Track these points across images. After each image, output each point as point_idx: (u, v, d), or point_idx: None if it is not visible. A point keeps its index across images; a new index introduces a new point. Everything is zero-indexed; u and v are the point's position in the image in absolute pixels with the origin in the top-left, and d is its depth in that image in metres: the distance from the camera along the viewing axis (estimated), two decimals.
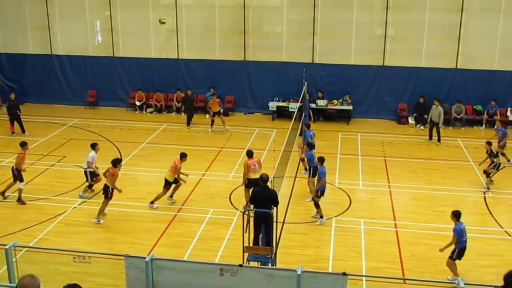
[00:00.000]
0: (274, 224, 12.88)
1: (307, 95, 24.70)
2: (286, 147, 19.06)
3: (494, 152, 19.73)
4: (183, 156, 18.08)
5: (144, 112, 29.22)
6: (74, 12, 29.74)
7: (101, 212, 17.01)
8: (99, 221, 16.90)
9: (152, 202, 17.84)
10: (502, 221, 17.32)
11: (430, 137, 25.04)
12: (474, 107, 27.68)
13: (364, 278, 13.84)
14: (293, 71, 27.79)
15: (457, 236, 13.74)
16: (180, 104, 28.49)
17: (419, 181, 20.52)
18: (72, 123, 27.07)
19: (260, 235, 13.33)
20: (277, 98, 28.54)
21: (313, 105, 26.99)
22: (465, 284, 9.41)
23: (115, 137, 24.73)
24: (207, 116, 28.40)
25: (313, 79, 27.49)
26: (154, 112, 29.09)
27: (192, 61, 29.19)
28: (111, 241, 15.86)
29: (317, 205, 16.97)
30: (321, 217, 16.97)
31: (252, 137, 25.24)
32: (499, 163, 19.62)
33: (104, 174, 17.24)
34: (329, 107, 27.93)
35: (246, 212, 13.03)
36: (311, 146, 19.07)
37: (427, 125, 25.94)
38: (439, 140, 24.73)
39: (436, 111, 24.57)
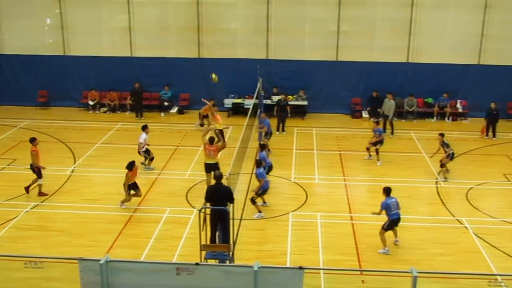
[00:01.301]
0: (231, 221, 12.89)
1: (262, 91, 24.76)
2: (242, 143, 19.08)
3: (447, 142, 20.16)
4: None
5: (97, 111, 28.80)
6: (22, 10, 28.98)
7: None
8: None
9: None
10: (454, 210, 17.74)
11: (384, 130, 25.39)
12: (426, 100, 28.26)
13: (321, 271, 13.97)
14: (248, 67, 27.77)
15: (382, 209, 15.20)
16: (131, 99, 28.25)
17: (373, 174, 20.83)
18: (23, 124, 26.46)
19: (218, 233, 13.33)
20: (233, 95, 28.52)
21: (268, 101, 27.06)
22: (418, 272, 9.56)
23: (68, 138, 24.32)
24: (162, 114, 28.24)
25: (268, 75, 27.50)
26: (108, 112, 28.72)
27: (146, 59, 28.86)
28: (66, 245, 15.57)
29: (253, 202, 17.21)
30: (259, 212, 17.14)
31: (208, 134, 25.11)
32: (453, 153, 20.08)
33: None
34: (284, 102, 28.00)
35: (203, 210, 12.99)
36: (262, 147, 19.20)
37: (380, 119, 26.30)
38: (392, 133, 25.16)
39: (389, 105, 25.00)
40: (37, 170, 18.33)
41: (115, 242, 15.68)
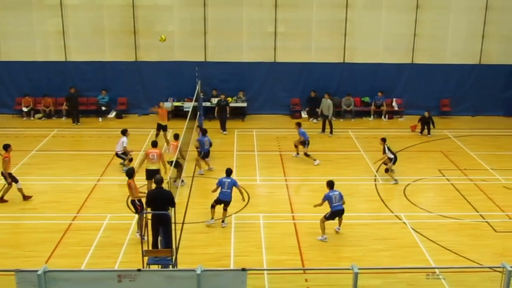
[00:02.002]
0: (173, 225, 12.79)
1: (202, 94, 24.69)
2: (182, 146, 18.98)
3: (387, 148, 20.42)
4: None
5: (32, 118, 28.02)
6: None
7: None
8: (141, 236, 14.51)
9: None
10: (392, 207, 18.17)
11: (323, 130, 25.83)
12: (362, 99, 28.86)
13: (265, 272, 14.03)
14: (187, 70, 27.62)
15: (324, 201, 16.04)
16: (67, 105, 27.64)
17: (313, 173, 21.09)
18: None
19: (160, 238, 13.20)
20: (172, 98, 28.32)
21: (207, 104, 26.99)
22: (359, 269, 9.73)
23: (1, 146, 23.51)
24: (100, 119, 27.76)
25: (207, 78, 27.52)
26: (43, 118, 27.99)
27: (81, 63, 28.30)
28: (3, 257, 15.03)
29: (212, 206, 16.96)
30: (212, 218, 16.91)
31: (147, 138, 24.87)
32: (396, 157, 20.42)
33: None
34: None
35: (144, 215, 12.85)
36: (204, 131, 19.49)
37: (319, 118, 26.75)
38: (331, 132, 25.56)
39: (327, 104, 25.40)
40: (8, 176, 18.06)
41: (54, 251, 15.27)
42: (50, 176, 20.12)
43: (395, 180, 20.22)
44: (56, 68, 28.30)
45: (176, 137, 19.66)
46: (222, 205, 16.66)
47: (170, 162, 18.15)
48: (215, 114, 26.51)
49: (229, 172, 16.92)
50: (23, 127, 26.61)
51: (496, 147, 24.34)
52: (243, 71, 28.54)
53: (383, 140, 20.63)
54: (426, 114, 25.65)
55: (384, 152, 20.39)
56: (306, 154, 22.01)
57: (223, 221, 16.74)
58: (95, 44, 28.28)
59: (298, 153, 22.60)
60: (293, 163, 22.13)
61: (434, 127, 25.75)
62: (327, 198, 16.00)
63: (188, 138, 22.44)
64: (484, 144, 24.68)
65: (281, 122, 27.71)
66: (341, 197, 16.05)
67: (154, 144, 18.69)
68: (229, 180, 16.67)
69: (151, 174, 17.61)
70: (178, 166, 18.94)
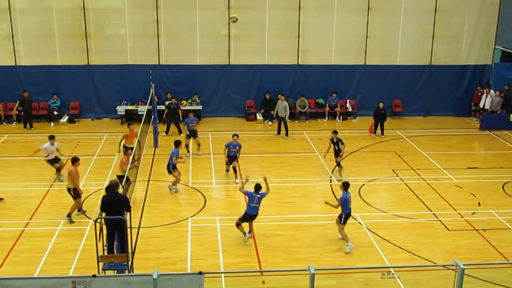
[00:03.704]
0: (128, 229, 12.64)
1: (155, 97, 24.50)
2: (137, 150, 18.78)
3: (341, 140, 20.76)
4: (74, 160, 17.31)
5: None
6: None
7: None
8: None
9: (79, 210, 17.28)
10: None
11: (279, 132, 25.93)
12: (317, 100, 29.11)
13: (222, 275, 14.00)
14: (140, 73, 27.38)
15: (341, 203, 15.55)
16: (18, 110, 27.01)
17: (269, 175, 20.94)
18: None
19: (115, 243, 13.03)
20: (125, 102, 27.99)
21: (162, 107, 26.78)
22: (315, 270, 9.80)
23: None
24: (52, 124, 27.23)
25: (161, 81, 27.36)
26: None
27: (31, 68, 27.69)
28: None
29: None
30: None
31: (101, 143, 24.53)
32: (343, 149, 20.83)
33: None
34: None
35: (98, 220, 12.66)
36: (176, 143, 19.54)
37: (274, 121, 26.86)
38: (286, 134, 25.68)
39: (282, 106, 25.51)
40: None
41: (6, 259, 14.90)
42: (0, 183, 19.62)
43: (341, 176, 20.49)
44: (5, 72, 27.59)
45: (127, 149, 18.98)
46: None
47: (121, 177, 17.14)
48: (164, 116, 26.18)
49: (258, 188, 16.00)
50: None
51: (447, 146, 24.89)
52: (197, 74, 28.43)
53: (335, 132, 20.96)
54: (381, 105, 25.97)
55: (335, 144, 20.71)
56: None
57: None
58: (45, 48, 27.70)
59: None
60: (249, 165, 22.12)
61: (385, 119, 26.16)
62: (343, 200, 15.62)
63: (143, 142, 22.22)
64: (436, 144, 25.21)
65: (236, 125, 27.70)
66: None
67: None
68: (259, 195, 15.92)
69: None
70: (128, 181, 17.31)
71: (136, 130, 20.42)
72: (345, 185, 15.89)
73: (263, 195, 15.96)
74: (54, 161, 20.18)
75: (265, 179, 16.29)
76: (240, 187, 16.33)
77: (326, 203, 16.26)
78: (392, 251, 15.65)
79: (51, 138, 20.13)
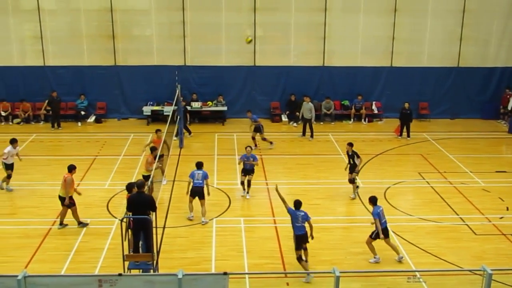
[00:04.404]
0: (154, 229, 12.71)
1: (181, 98, 24.62)
2: (162, 151, 18.89)
3: (356, 153, 19.34)
4: (71, 168, 16.75)
5: (10, 123, 27.69)
6: None
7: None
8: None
9: (60, 224, 16.69)
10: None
11: (303, 133, 25.87)
12: (342, 102, 28.99)
13: (246, 276, 14.02)
14: (166, 74, 27.57)
15: (376, 218, 14.84)
16: (46, 110, 27.39)
17: (294, 177, 21.11)
18: None
19: (140, 242, 13.11)
20: (151, 102, 28.19)
21: (187, 108, 26.89)
22: (340, 272, 9.74)
23: None
24: (79, 124, 27.55)
25: (186, 82, 27.48)
26: (22, 123, 27.68)
27: (59, 68, 28.05)
28: None
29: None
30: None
31: (127, 143, 24.73)
32: (359, 165, 19.31)
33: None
34: (203, 108, 28.03)
35: (125, 220, 12.76)
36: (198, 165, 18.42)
37: (299, 122, 26.81)
38: (311, 135, 25.59)
39: (307, 107, 25.45)
40: None
41: (33, 257, 15.10)
42: (28, 182, 19.91)
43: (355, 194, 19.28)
44: (34, 73, 28.02)
45: (154, 149, 18.82)
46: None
47: (146, 177, 17.16)
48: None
49: (298, 204, 14.69)
50: (1, 132, 26.23)
51: (474, 149, 24.58)
52: (222, 75, 28.51)
53: (350, 145, 19.37)
54: (406, 105, 25.73)
55: (350, 157, 19.25)
56: (263, 139, 23.77)
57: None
58: (73, 48, 28.05)
59: (256, 145, 23.83)
60: (274, 166, 22.14)
61: (411, 121, 25.88)
62: (376, 215, 14.96)
63: (168, 142, 22.34)
64: (463, 146, 24.91)
65: (250, 129, 27.67)
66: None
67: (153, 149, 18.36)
68: (302, 213, 14.54)
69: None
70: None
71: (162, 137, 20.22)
72: (373, 200, 15.31)
73: (306, 217, 14.43)
74: (11, 166, 19.50)
75: (276, 190, 15.23)
76: (284, 204, 14.81)
77: (372, 224, 15.32)
78: (418, 255, 15.49)
79: (14, 141, 19.62)
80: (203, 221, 17.02)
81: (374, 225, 15.03)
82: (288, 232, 16.32)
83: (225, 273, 9.60)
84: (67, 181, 16.33)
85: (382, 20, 28.35)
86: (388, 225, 16.80)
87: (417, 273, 13.69)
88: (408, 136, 25.83)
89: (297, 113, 26.81)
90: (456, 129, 27.66)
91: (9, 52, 27.97)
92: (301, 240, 14.25)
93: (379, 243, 15.14)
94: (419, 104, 29.02)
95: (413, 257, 15.34)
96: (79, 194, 16.99)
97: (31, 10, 27.46)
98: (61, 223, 16.67)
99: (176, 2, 27.59)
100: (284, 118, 28.50)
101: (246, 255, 15.39)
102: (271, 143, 24.24)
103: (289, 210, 14.51)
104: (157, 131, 20.53)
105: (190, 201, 17.23)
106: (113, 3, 27.44)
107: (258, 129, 24.04)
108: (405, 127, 25.90)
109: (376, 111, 28.99)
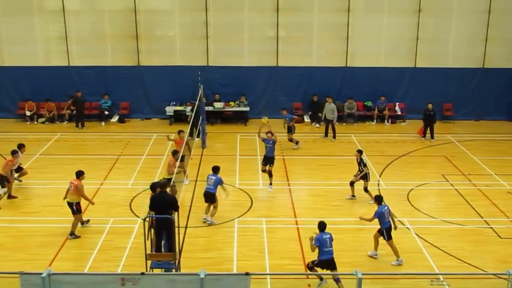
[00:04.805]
0: (176, 229, 12.77)
1: (204, 98, 24.70)
2: (185, 151, 18.95)
3: (364, 161, 19.15)
4: (80, 174, 16.66)
5: (35, 122, 28.04)
6: None
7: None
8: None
9: (71, 234, 16.40)
10: (395, 211, 17.94)
11: (326, 134, 25.79)
12: (365, 103, 28.83)
13: (268, 277, 14.00)
14: (188, 74, 27.70)
15: (376, 217, 14.97)
16: (70, 110, 27.72)
17: (316, 178, 21.05)
18: None
19: (163, 242, 13.18)
20: (174, 103, 28.32)
21: (210, 108, 27.00)
22: (363, 274, 9.70)
23: (4, 150, 23.45)
24: (103, 123, 27.81)
25: (209, 82, 27.53)
26: (46, 122, 28.00)
27: (83, 68, 28.35)
28: (5, 259, 15.05)
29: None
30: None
31: (150, 143, 24.88)
32: (368, 173, 18.84)
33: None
34: (226, 109, 28.09)
35: (147, 219, 12.83)
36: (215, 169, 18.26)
37: (322, 123, 26.72)
38: (334, 136, 25.50)
39: (329, 108, 25.38)
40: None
41: (57, 255, 15.27)
42: (52, 180, 20.14)
43: (353, 195, 19.00)
44: (58, 73, 28.33)
45: (175, 152, 18.81)
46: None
47: (168, 180, 16.65)
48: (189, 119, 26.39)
49: (323, 226, 14.01)
50: (26, 131, 26.61)
51: (499, 152, 24.25)
52: (244, 76, 28.55)
53: (359, 152, 19.04)
54: (430, 106, 25.51)
55: (359, 164, 18.89)
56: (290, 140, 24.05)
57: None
58: (97, 49, 28.35)
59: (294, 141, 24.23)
60: (296, 167, 22.12)
61: (435, 122, 25.64)
62: (379, 214, 14.99)
63: (191, 143, 22.42)
64: (488, 149, 24.59)
65: (283, 127, 27.62)
66: (389, 211, 15.28)
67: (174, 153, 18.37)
68: (328, 235, 13.91)
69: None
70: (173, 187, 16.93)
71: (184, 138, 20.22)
72: (378, 199, 15.34)
73: (331, 237, 13.83)
74: (17, 170, 19.93)
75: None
76: (311, 244, 13.77)
77: (360, 218, 16.03)
78: (441, 258, 15.34)
79: (22, 147, 19.98)
80: (208, 220, 17.12)
81: (367, 220, 15.53)
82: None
83: (247, 274, 9.61)
84: (79, 187, 16.22)
85: (406, 20, 28.13)
86: (411, 227, 16.72)
87: (440, 276, 13.55)
88: (432, 137, 25.60)
89: (320, 114, 26.72)
90: (480, 131, 27.34)
91: (34, 52, 28.34)
92: (328, 264, 13.60)
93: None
94: (443, 105, 28.73)
95: (436, 260, 15.19)
96: (92, 204, 17.02)
97: (56, 11, 27.78)
98: (82, 223, 16.79)
99: (199, 3, 27.70)
100: (307, 118, 28.43)
101: (268, 255, 15.37)
102: (297, 143, 24.28)
103: (316, 241, 13.56)
104: (180, 132, 20.59)
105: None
106: (137, 4, 27.64)
107: (290, 129, 24.20)
108: (428, 129, 25.66)
109: (399, 112, 28.78)
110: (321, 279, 13.84)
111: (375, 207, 15.42)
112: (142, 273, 9.64)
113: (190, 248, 15.58)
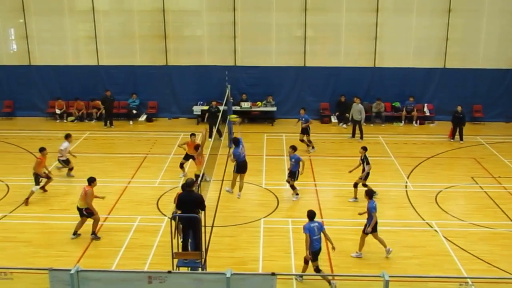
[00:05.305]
0: (203, 228, 12.81)
1: (231, 98, 24.75)
2: (211, 150, 19.03)
3: (368, 158, 18.97)
4: (92, 180, 16.46)
5: (64, 121, 28.43)
6: None
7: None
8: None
9: (74, 233, 16.44)
10: (423, 213, 17.92)
11: (353, 135, 25.65)
12: (393, 104, 28.58)
13: (293, 277, 13.98)
14: (216, 74, 27.80)
15: (373, 212, 14.98)
16: (99, 109, 28.07)
17: (343, 178, 20.88)
18: None
19: (189, 240, 13.24)
20: (201, 102, 28.43)
21: (237, 108, 27.05)
22: (390, 276, 9.62)
23: (35, 148, 23.74)
24: (131, 122, 28.05)
25: (236, 82, 27.59)
26: (75, 121, 28.36)
27: (112, 68, 28.65)
28: (34, 256, 15.30)
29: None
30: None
31: (177, 142, 24.96)
32: (368, 173, 18.80)
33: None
34: (253, 109, 28.12)
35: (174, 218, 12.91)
36: (236, 141, 18.93)
37: (349, 123, 26.58)
38: (361, 137, 25.34)
39: (357, 109, 25.23)
40: (34, 176, 18.74)
41: (85, 252, 15.45)
42: (80, 178, 20.34)
43: (356, 198, 18.86)
44: (88, 72, 28.70)
45: (197, 148, 19.22)
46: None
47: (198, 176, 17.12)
48: (205, 120, 26.43)
49: (312, 215, 14.04)
50: (56, 129, 26.96)
51: None
52: (272, 75, 28.56)
53: (364, 149, 18.98)
54: (459, 108, 25.19)
55: (362, 161, 18.82)
56: (306, 141, 23.84)
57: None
58: (125, 48, 28.64)
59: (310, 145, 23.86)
60: (323, 168, 22.02)
61: (464, 124, 25.31)
62: (374, 209, 15.00)
63: (218, 142, 22.51)
64: None
65: (311, 127, 27.54)
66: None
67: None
68: (316, 224, 13.96)
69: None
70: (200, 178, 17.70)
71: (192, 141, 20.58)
72: (369, 194, 15.39)
73: (321, 227, 14.01)
74: (67, 162, 20.84)
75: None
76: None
77: (360, 214, 15.88)
78: (469, 261, 15.14)
79: (69, 136, 20.91)
80: (230, 191, 18.24)
81: (362, 215, 15.43)
82: (336, 235, 16.20)
83: (273, 274, 9.60)
84: (88, 194, 16.15)
85: (436, 20, 27.83)
86: (439, 230, 16.55)
87: (469, 280, 13.38)
88: (461, 139, 25.28)
89: (347, 115, 26.59)
90: (511, 133, 26.89)
91: (64, 51, 28.75)
92: (317, 254, 13.86)
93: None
94: (473, 106, 28.36)
95: (464, 263, 15.00)
96: (103, 198, 16.96)
97: (86, 11, 28.12)
98: (74, 233, 16.33)
99: (227, 3, 27.77)
100: (334, 119, 28.31)
101: (294, 256, 15.35)
102: (313, 147, 23.91)
103: (305, 229, 13.75)
104: (192, 135, 20.67)
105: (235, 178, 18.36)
106: (165, 4, 27.84)
107: (305, 131, 23.84)
108: (458, 130, 25.34)
109: (428, 113, 28.47)
110: (329, 282, 13.76)
111: (405, 205, 15.28)
112: (169, 272, 9.69)
113: (216, 247, 15.62)
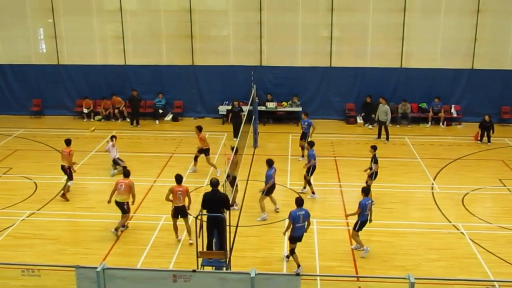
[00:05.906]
0: (227, 227, 12.86)
1: (256, 98, 24.78)
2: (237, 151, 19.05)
3: (376, 158, 18.70)
4: (127, 174, 16.71)
5: (92, 119, 28.75)
6: (15, 20, 29.01)
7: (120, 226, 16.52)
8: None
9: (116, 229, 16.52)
10: (449, 216, 17.75)
11: (379, 136, 25.49)
12: (419, 105, 28.33)
13: (318, 278, 13.96)
14: (241, 74, 27.85)
15: (360, 209, 15.10)
16: (126, 108, 28.40)
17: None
18: (18, 133, 26.38)
19: (214, 240, 13.30)
20: (227, 102, 28.50)
21: (262, 108, 27.07)
22: (415, 279, 9.56)
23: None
24: (157, 122, 28.26)
25: (262, 82, 27.60)
26: (102, 120, 28.66)
27: (138, 67, 28.89)
28: (61, 253, 15.52)
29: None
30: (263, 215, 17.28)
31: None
32: (376, 172, 18.74)
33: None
34: (278, 109, 28.12)
35: (199, 217, 12.98)
36: (270, 163, 18.25)
37: (375, 124, 26.42)
38: (387, 138, 25.17)
39: (383, 109, 25.06)
40: (68, 171, 18.92)
41: (111, 250, 15.62)
42: (107, 177, 20.60)
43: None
44: (115, 71, 28.99)
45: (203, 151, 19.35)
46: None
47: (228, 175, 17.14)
48: (229, 119, 26.52)
49: (301, 202, 14.67)
50: (83, 128, 27.28)
51: None
52: (297, 76, 28.51)
53: (374, 148, 18.85)
54: (487, 118, 24.89)
55: (376, 162, 18.59)
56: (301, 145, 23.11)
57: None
58: (152, 48, 28.85)
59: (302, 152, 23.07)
60: (348, 168, 21.92)
61: (493, 132, 24.99)
62: (362, 206, 15.12)
63: (243, 142, 22.52)
64: None
65: (336, 128, 27.53)
66: (370, 207, 15.40)
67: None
68: (303, 212, 14.49)
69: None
70: (233, 181, 17.63)
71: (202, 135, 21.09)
72: (365, 191, 15.42)
73: (307, 215, 14.44)
74: (117, 161, 21.30)
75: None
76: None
77: (347, 216, 16.22)
78: (496, 264, 14.96)
79: (114, 138, 21.53)
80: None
81: (354, 214, 15.44)
82: (362, 236, 16.12)
83: (297, 274, 9.62)
84: (131, 185, 16.24)
85: (464, 20, 27.48)
86: (466, 232, 16.39)
87: (495, 283, 13.21)
88: (489, 141, 24.96)
89: (373, 115, 26.44)
90: None
91: (92, 51, 29.07)
92: (297, 240, 14.46)
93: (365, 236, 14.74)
94: (501, 108, 27.98)
95: (491, 266, 14.82)
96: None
97: (114, 10, 28.42)
98: (116, 229, 16.42)
99: (253, 3, 27.81)
100: (359, 120, 28.16)
101: (318, 257, 15.33)
102: (302, 156, 22.86)
103: (289, 216, 14.31)
104: (198, 128, 21.27)
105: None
106: (192, 4, 27.98)
107: (304, 136, 22.97)
108: (485, 134, 25.03)
109: (455, 115, 28.15)
110: (298, 266, 14.34)
111: (431, 207, 15.16)
112: (194, 271, 9.76)
113: (241, 246, 15.68)
